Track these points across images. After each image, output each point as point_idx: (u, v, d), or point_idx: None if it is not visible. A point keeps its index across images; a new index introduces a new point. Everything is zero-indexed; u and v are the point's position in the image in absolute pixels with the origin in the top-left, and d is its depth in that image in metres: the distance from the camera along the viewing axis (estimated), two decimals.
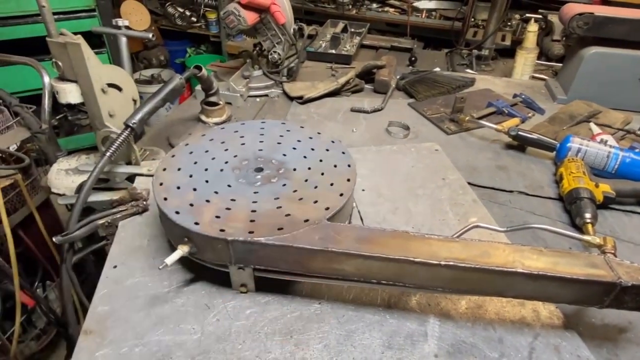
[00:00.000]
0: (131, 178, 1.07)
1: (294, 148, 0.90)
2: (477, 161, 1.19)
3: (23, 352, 1.63)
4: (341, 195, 0.76)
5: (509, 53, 2.02)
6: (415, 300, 0.75)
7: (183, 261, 0.80)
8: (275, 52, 1.53)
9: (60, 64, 0.99)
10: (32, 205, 1.48)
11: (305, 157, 0.87)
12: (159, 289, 0.76)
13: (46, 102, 1.47)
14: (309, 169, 0.84)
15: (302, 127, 0.97)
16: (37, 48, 2.19)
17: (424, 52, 2.22)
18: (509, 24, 2.77)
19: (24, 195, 1.43)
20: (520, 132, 1.18)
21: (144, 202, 0.93)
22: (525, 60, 1.72)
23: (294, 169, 0.84)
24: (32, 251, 1.62)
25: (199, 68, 1.19)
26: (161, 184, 0.78)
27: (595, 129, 1.25)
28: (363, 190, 1.02)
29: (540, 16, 2.08)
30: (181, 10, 3.99)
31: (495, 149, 1.25)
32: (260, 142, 0.92)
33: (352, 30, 2.12)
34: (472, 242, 0.68)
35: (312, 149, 0.89)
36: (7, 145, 1.27)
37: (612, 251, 0.73)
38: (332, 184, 0.79)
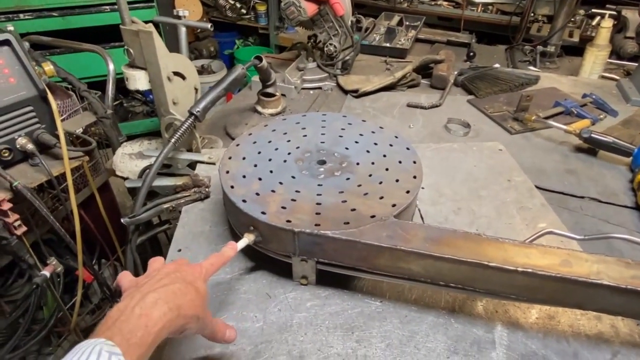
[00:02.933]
0: (192, 165, 1.09)
1: (356, 142, 0.88)
2: (544, 163, 1.13)
3: (79, 325, 1.72)
4: (407, 192, 0.74)
5: (574, 51, 1.90)
6: (482, 306, 0.72)
7: (245, 249, 0.80)
8: (331, 44, 1.51)
9: (131, 51, 1.02)
10: (94, 187, 1.55)
11: (368, 151, 0.85)
12: (222, 275, 0.77)
13: (110, 88, 1.54)
14: (373, 163, 0.82)
15: (364, 121, 0.95)
16: (99, 37, 2.31)
17: (481, 47, 2.13)
18: (572, 19, 2.61)
19: (87, 176, 1.51)
20: (593, 135, 1.11)
21: (206, 189, 0.95)
22: (596, 59, 1.61)
23: (357, 163, 0.82)
24: (91, 230, 1.71)
25: (259, 59, 1.20)
26: (227, 172, 0.79)
27: None
28: (423, 188, 0.99)
29: (612, 12, 1.95)
30: (232, 2, 4.06)
31: (563, 151, 1.18)
32: (322, 134, 0.91)
33: (407, 23, 2.06)
34: (550, 248, 0.64)
35: (375, 144, 0.87)
36: (74, 129, 1.33)
37: None
38: (397, 180, 0.77)
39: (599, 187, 1.05)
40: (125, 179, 1.17)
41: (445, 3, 3.26)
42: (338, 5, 1.42)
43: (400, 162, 0.82)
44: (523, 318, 0.70)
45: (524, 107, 1.28)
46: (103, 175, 1.65)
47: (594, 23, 2.11)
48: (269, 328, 0.68)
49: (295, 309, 0.71)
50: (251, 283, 0.76)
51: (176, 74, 1.14)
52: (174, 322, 0.49)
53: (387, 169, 0.80)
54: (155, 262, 0.61)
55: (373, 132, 0.91)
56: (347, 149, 0.86)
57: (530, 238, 0.74)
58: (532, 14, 2.73)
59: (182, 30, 1.65)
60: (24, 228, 1.09)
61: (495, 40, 2.75)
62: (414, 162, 0.82)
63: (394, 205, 0.71)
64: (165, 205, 0.92)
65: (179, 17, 1.51)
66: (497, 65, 1.74)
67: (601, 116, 1.32)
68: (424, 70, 1.58)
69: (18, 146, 1.11)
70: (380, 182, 0.77)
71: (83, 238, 1.69)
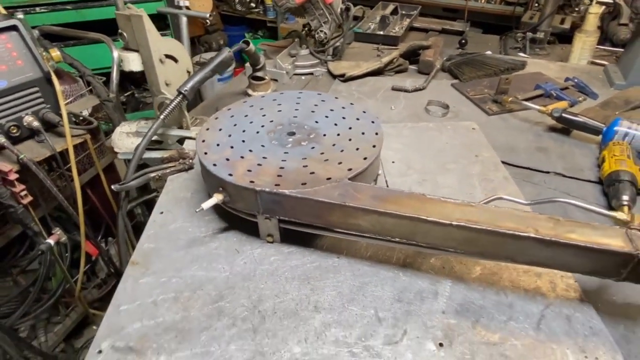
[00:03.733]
0: (181, 141, 1.17)
1: (327, 116, 0.95)
2: (517, 142, 1.17)
3: (86, 298, 1.84)
4: (365, 159, 0.80)
5: (568, 39, 1.91)
6: (431, 263, 0.78)
7: (219, 211, 0.89)
8: (321, 31, 1.57)
9: (125, 34, 1.11)
10: (99, 167, 1.65)
11: (336, 124, 0.92)
12: (197, 234, 0.85)
13: (114, 74, 1.63)
14: (338, 135, 0.88)
15: (337, 98, 1.01)
16: (111, 29, 2.42)
17: (477, 36, 2.16)
18: (577, 9, 2.60)
19: (93, 157, 1.61)
20: (564, 114, 1.15)
21: (190, 161, 1.03)
22: (584, 44, 1.63)
23: (324, 135, 0.89)
24: (97, 209, 1.82)
25: (246, 43, 1.27)
26: (203, 141, 0.87)
27: None
28: (393, 162, 1.05)
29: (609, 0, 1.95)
30: None
31: (537, 131, 1.22)
32: (296, 110, 0.98)
33: (403, 12, 2.11)
34: (487, 206, 0.70)
35: (344, 118, 0.94)
36: (79, 110, 1.43)
37: (639, 228, 0.71)
38: (357, 149, 0.83)
39: (567, 163, 1.09)
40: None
41: None
42: None
43: (363, 133, 0.88)
44: (467, 274, 0.76)
45: (503, 90, 1.32)
46: (108, 157, 1.76)
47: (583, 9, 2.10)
48: (234, 277, 0.76)
49: (259, 263, 0.79)
50: (222, 240, 0.83)
51: (169, 57, 1.22)
52: None
53: (350, 139, 0.87)
54: None
55: (343, 108, 0.97)
56: (317, 122, 0.93)
57: (480, 202, 0.80)
58: (537, 4, 2.73)
59: (183, 20, 1.74)
60: (30, 198, 1.19)
61: (501, 31, 2.76)
62: (376, 134, 0.88)
63: (349, 170, 0.77)
64: (152, 174, 1.00)
65: (179, 7, 1.60)
66: (488, 52, 1.78)
67: (580, 99, 1.35)
68: (413, 56, 1.62)
69: (25, 124, 1.21)
70: (342, 151, 0.84)
71: (90, 217, 1.80)
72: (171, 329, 0.67)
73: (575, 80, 1.43)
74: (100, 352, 0.65)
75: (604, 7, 1.77)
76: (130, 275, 0.76)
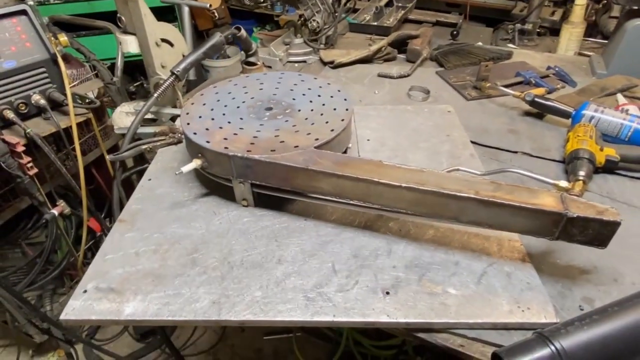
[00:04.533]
0: (174, 119, 1.26)
1: (304, 94, 1.02)
2: (490, 125, 1.23)
3: None
4: (332, 130, 0.88)
5: (558, 32, 1.95)
6: (389, 226, 0.85)
7: (201, 179, 0.97)
8: (314, 20, 1.64)
9: (123, 18, 1.20)
10: (103, 148, 1.75)
11: (311, 101, 0.99)
12: (180, 198, 0.93)
13: (119, 59, 1.72)
14: (312, 110, 0.96)
15: (315, 79, 1.09)
16: (115, 21, 2.53)
17: (471, 28, 2.20)
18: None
19: (97, 138, 1.71)
20: (536, 99, 1.20)
21: (179, 135, 1.11)
22: (571, 35, 1.66)
23: (299, 110, 0.96)
24: (101, 188, 1.92)
25: (238, 29, 1.35)
26: (187, 113, 0.95)
27: (621, 100, 1.23)
28: (368, 140, 1.11)
29: None
30: None
31: (512, 115, 1.28)
32: (276, 88, 1.05)
33: (399, 4, 2.16)
34: (437, 172, 0.76)
35: (319, 96, 1.01)
36: (84, 92, 1.53)
37: (577, 194, 0.77)
38: (327, 122, 0.91)
39: (536, 144, 1.14)
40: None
41: None
42: None
43: (335, 109, 0.95)
44: (421, 236, 0.83)
45: (483, 77, 1.38)
46: (113, 139, 1.86)
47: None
48: (209, 235, 0.84)
49: (233, 223, 0.86)
50: (202, 204, 0.92)
51: (165, 41, 1.31)
52: None
53: (322, 114, 0.94)
54: None
55: (320, 87, 1.05)
56: (294, 99, 1.00)
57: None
58: None
59: (185, 10, 1.83)
60: (35, 170, 1.29)
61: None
62: (346, 110, 0.95)
63: (316, 139, 0.85)
64: (144, 146, 1.08)
65: None
66: (479, 43, 1.83)
67: (559, 86, 1.40)
68: (403, 45, 1.68)
69: (33, 102, 1.31)
70: (312, 124, 0.91)
71: (94, 196, 1.90)
72: (149, 275, 0.75)
73: (556, 69, 1.47)
74: (85, 291, 0.73)
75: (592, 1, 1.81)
76: (117, 231, 0.85)
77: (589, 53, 1.70)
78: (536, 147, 1.13)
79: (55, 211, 1.41)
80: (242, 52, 1.65)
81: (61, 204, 1.44)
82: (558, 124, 1.22)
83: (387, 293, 0.72)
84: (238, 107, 0.98)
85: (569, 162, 1.00)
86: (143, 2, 1.14)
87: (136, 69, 3.14)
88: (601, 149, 1.01)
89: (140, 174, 1.26)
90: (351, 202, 0.81)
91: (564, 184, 0.82)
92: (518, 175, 0.90)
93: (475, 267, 0.76)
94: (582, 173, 0.95)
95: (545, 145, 1.14)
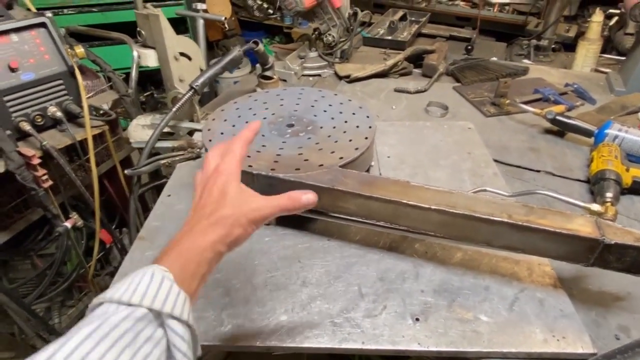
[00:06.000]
0: (191, 133, 1.25)
1: (325, 111, 1.01)
2: (511, 142, 1.21)
3: (99, 284, 1.93)
4: (356, 149, 0.86)
5: (574, 47, 1.94)
6: (415, 248, 0.83)
7: None
8: (330, 34, 1.64)
9: (143, 32, 1.20)
10: (116, 159, 1.74)
11: (333, 118, 0.98)
12: None
13: (133, 71, 1.73)
14: (334, 127, 0.94)
15: (336, 95, 1.08)
16: (129, 31, 2.55)
17: (485, 43, 2.20)
18: (589, 19, 2.62)
19: (111, 149, 1.71)
20: (557, 117, 1.18)
21: (198, 150, 1.10)
22: (587, 52, 1.66)
23: (321, 127, 0.95)
24: (113, 199, 1.91)
25: (256, 43, 1.35)
26: (209, 130, 0.94)
27: None
28: (388, 157, 1.10)
29: (615, 10, 1.97)
30: (260, 2, 4.26)
31: (532, 133, 1.26)
32: (297, 104, 1.04)
33: (412, 19, 2.16)
34: (466, 194, 0.75)
35: (341, 112, 1.00)
36: (100, 104, 1.53)
37: (611, 219, 0.75)
38: (350, 140, 0.89)
39: (557, 163, 1.12)
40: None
41: (462, 3, 3.32)
42: None
43: (357, 126, 0.94)
44: (448, 259, 0.81)
45: (502, 93, 1.36)
46: (126, 150, 1.85)
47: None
48: (231, 254, 0.81)
49: (255, 242, 0.85)
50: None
51: (183, 55, 1.31)
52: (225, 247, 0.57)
53: (344, 132, 0.93)
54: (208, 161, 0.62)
55: (341, 104, 1.04)
56: (315, 116, 0.99)
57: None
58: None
59: (200, 22, 1.84)
60: (50, 182, 1.28)
61: (512, 39, 2.80)
62: (370, 127, 0.93)
63: (341, 158, 0.83)
64: (163, 161, 1.08)
65: (197, 11, 1.69)
66: (494, 58, 1.82)
67: (578, 103, 1.38)
68: (418, 60, 1.68)
69: (49, 114, 1.31)
70: (336, 141, 0.89)
71: (106, 207, 1.89)
72: None
73: (575, 86, 1.46)
74: None
75: (605, 16, 1.80)
76: (137, 248, 0.84)
77: (606, 70, 1.69)
78: (558, 167, 1.11)
79: (68, 224, 1.39)
80: (257, 65, 1.66)
81: (74, 216, 1.43)
82: (579, 142, 1.20)
83: (417, 319, 0.69)
84: None
85: (595, 183, 0.98)
86: (163, 17, 1.14)
87: (147, 79, 3.16)
88: (627, 170, 0.99)
89: (157, 188, 1.25)
90: (376, 222, 0.79)
91: (595, 207, 0.80)
92: (545, 197, 0.88)
93: (506, 292, 0.74)
94: (609, 195, 0.93)
95: (567, 164, 1.12)
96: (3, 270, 1.72)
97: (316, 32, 1.75)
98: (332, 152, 0.86)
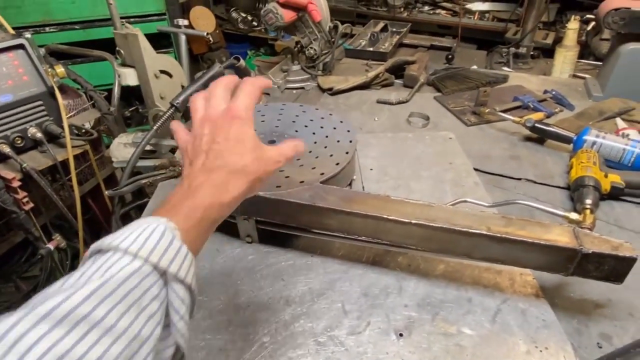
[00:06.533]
0: (174, 150, 1.25)
1: (306, 126, 1.01)
2: (492, 151, 1.23)
3: None
4: (337, 164, 0.86)
5: (551, 53, 1.98)
6: (398, 261, 0.83)
7: None
8: (311, 47, 1.66)
9: (122, 51, 1.19)
10: (99, 177, 1.73)
11: (314, 133, 0.98)
12: None
13: (115, 89, 1.72)
14: (315, 143, 0.95)
15: (317, 109, 1.08)
16: (111, 48, 2.54)
17: (465, 51, 2.24)
18: (567, 25, 2.68)
19: (94, 167, 1.69)
20: (536, 124, 1.20)
21: (180, 168, 1.10)
22: (565, 58, 1.69)
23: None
24: (97, 218, 1.89)
25: (237, 59, 1.35)
26: None
27: (621, 124, 1.23)
28: (371, 169, 1.10)
29: (591, 15, 2.02)
30: (244, 15, 4.29)
31: (512, 140, 1.28)
32: (278, 120, 1.04)
33: (394, 30, 2.19)
34: (446, 207, 0.75)
35: (322, 127, 1.00)
36: (81, 123, 1.51)
37: (589, 227, 0.76)
38: (331, 155, 0.89)
39: (538, 170, 1.14)
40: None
41: (443, 12, 3.38)
42: (315, 12, 1.57)
43: (338, 141, 0.94)
44: (431, 271, 0.81)
45: (482, 102, 1.38)
46: (109, 168, 1.83)
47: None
48: (213, 274, 0.81)
49: (238, 261, 0.84)
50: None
51: (164, 72, 1.30)
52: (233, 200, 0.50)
53: (325, 147, 0.93)
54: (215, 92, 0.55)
55: (322, 118, 1.04)
56: (296, 131, 1.00)
57: (446, 205, 0.85)
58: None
59: (182, 38, 1.83)
60: (31, 204, 1.26)
61: (493, 47, 2.85)
62: (350, 142, 0.94)
63: (322, 174, 0.83)
64: (144, 181, 1.07)
65: (178, 27, 1.69)
66: (474, 67, 1.85)
67: (557, 110, 1.41)
68: (399, 71, 1.69)
69: (29, 135, 1.29)
70: (317, 157, 0.90)
71: (90, 226, 1.87)
72: None
73: (553, 93, 1.48)
74: None
75: (582, 21, 1.85)
76: None
77: (584, 75, 1.73)
78: (539, 174, 1.12)
79: (51, 246, 1.37)
80: None
81: (57, 237, 1.41)
82: (559, 149, 1.22)
83: (401, 335, 0.69)
84: None
85: (575, 190, 1.00)
86: (142, 37, 1.14)
87: (131, 94, 3.15)
88: (606, 176, 1.01)
89: (139, 208, 1.24)
90: (359, 237, 0.79)
91: (574, 216, 0.81)
92: (525, 206, 0.89)
93: (488, 303, 0.74)
94: (588, 201, 0.94)
95: (548, 171, 1.14)
96: None
97: (298, 46, 1.76)
98: (313, 168, 0.86)
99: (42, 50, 1.52)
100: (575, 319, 0.75)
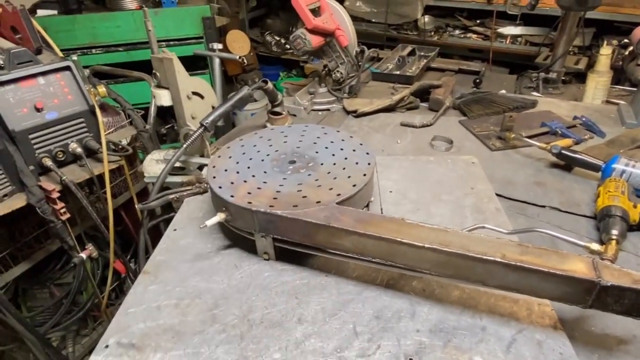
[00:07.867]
0: (201, 167, 1.30)
1: (326, 147, 1.04)
2: (516, 176, 1.21)
3: (113, 313, 1.96)
4: (354, 186, 0.88)
5: (584, 78, 1.94)
6: (412, 285, 0.83)
7: (224, 230, 0.98)
8: (338, 71, 1.70)
9: (158, 74, 1.27)
10: (132, 191, 1.81)
11: (333, 154, 1.01)
12: (203, 249, 0.94)
13: (152, 108, 1.81)
14: (334, 164, 0.97)
15: (338, 131, 1.11)
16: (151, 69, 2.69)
17: (494, 76, 2.22)
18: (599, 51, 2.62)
19: (128, 181, 1.78)
20: (563, 151, 1.18)
21: (205, 185, 1.14)
22: (597, 84, 1.65)
23: (321, 164, 0.97)
24: (129, 230, 1.97)
25: (265, 82, 1.40)
26: (214, 167, 0.98)
27: None
28: (390, 192, 1.11)
29: (627, 40, 1.97)
30: (277, 38, 4.45)
31: (538, 167, 1.25)
32: (300, 141, 1.08)
33: (421, 53, 2.21)
34: (461, 232, 0.75)
35: (342, 149, 1.02)
36: (119, 139, 1.61)
37: (611, 258, 0.74)
38: (349, 177, 0.91)
39: (564, 198, 1.11)
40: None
41: (474, 36, 3.38)
42: (342, 38, 1.62)
43: (357, 163, 0.96)
44: (446, 297, 0.80)
45: (507, 127, 1.37)
46: (142, 182, 1.92)
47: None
48: (230, 289, 0.84)
49: (254, 277, 0.86)
50: (225, 256, 0.92)
51: (196, 94, 1.37)
52: None
53: (344, 168, 0.95)
54: None
55: (343, 140, 1.06)
56: (317, 152, 1.02)
57: (463, 230, 0.84)
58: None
59: (216, 61, 1.93)
60: (68, 215, 1.34)
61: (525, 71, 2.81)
62: (369, 164, 0.95)
63: (338, 195, 0.85)
64: (171, 196, 1.11)
65: (213, 50, 1.78)
66: (502, 91, 1.83)
67: (586, 137, 1.37)
68: (425, 94, 1.71)
69: (70, 150, 1.39)
70: (335, 178, 0.92)
71: (121, 237, 1.95)
72: (169, 331, 0.75)
73: (583, 119, 1.45)
74: (107, 346, 0.74)
75: (619, 45, 1.80)
76: (141, 283, 0.86)
77: (618, 101, 1.68)
78: (565, 202, 1.10)
79: (84, 255, 1.44)
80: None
81: (90, 247, 1.48)
82: (587, 176, 1.19)
83: None
84: (262, 160, 1.00)
85: (601, 220, 0.97)
86: (177, 60, 1.21)
87: (168, 112, 3.29)
88: (635, 206, 0.97)
89: (167, 221, 1.29)
90: (373, 259, 0.80)
91: (595, 246, 0.78)
92: (546, 235, 0.87)
93: (503, 333, 0.73)
94: (614, 232, 0.91)
95: (575, 199, 1.11)
96: (23, 298, 1.78)
97: (326, 69, 1.81)
98: (330, 189, 0.88)
99: (87, 71, 1.63)
100: (595, 354, 0.72)
